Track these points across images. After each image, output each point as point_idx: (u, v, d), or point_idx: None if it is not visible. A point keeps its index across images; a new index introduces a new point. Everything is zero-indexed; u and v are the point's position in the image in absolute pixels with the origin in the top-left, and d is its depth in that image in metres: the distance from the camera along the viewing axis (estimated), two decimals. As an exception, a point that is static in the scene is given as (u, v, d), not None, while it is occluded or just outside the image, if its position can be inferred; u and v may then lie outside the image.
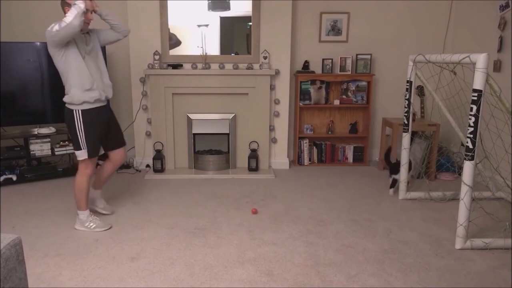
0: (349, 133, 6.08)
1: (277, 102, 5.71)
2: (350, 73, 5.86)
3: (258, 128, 5.67)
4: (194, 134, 5.69)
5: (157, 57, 5.43)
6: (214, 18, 5.51)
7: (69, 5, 3.51)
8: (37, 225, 3.93)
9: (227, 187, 5.07)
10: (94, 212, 4.04)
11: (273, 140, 5.84)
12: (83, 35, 3.70)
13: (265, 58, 5.51)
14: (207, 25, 5.51)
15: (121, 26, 3.87)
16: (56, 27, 3.39)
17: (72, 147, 5.31)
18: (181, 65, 5.51)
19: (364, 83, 5.92)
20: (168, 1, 5.38)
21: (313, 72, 5.88)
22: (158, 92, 5.48)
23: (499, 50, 4.88)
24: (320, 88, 5.93)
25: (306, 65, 5.91)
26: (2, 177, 5.02)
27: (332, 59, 5.85)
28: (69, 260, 3.26)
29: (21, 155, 5.21)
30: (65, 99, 3.72)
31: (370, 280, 2.99)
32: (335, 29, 5.91)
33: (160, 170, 5.55)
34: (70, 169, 5.49)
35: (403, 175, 4.59)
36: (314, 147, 6.07)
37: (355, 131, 6.05)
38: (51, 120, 5.36)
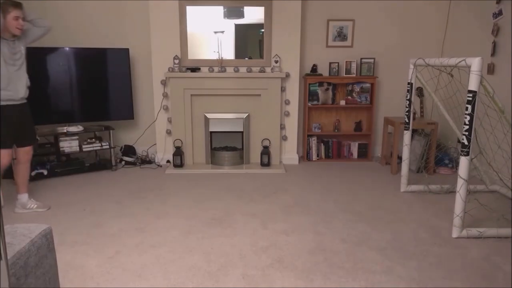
0: (354, 131, 6.08)
1: (287, 102, 5.73)
2: (355, 75, 5.86)
3: (270, 127, 5.69)
4: (211, 132, 5.72)
5: (177, 61, 5.47)
6: (229, 25, 5.54)
7: (2, 13, 3.71)
8: (66, 216, 3.99)
9: (241, 181, 5.11)
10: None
11: (284, 138, 5.86)
12: (12, 41, 3.84)
13: (276, 62, 5.53)
14: (222, 32, 5.54)
15: (42, 21, 4.04)
16: None
17: (98, 144, 5.45)
18: (199, 69, 5.55)
19: (367, 85, 5.91)
20: (187, 10, 5.42)
21: (320, 74, 5.89)
22: (177, 93, 5.53)
23: (493, 54, 4.86)
24: (327, 89, 5.94)
25: (314, 68, 5.92)
26: (34, 172, 5.08)
27: (338, 63, 5.85)
28: (95, 248, 3.31)
29: (51, 151, 5.29)
30: None
31: (373, 266, 3.01)
32: (341, 35, 5.92)
33: (180, 165, 5.59)
34: (96, 164, 5.56)
35: (404, 170, 4.59)
36: (322, 144, 6.07)
37: (359, 129, 6.05)
38: (79, 119, 5.42)
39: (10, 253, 1.66)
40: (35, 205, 4.13)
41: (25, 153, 4.09)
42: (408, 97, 4.40)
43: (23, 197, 4.13)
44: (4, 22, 3.75)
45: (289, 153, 5.91)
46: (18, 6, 3.78)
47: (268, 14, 5.47)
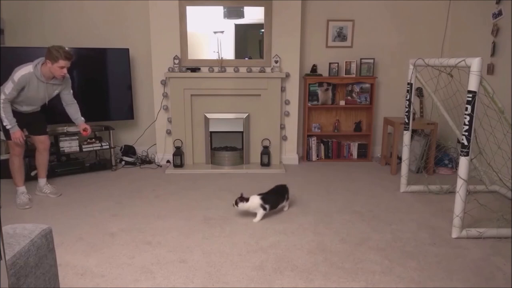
0: (354, 131, 6.08)
1: (287, 102, 5.72)
2: (354, 76, 5.85)
3: (270, 127, 5.69)
4: (211, 132, 5.72)
5: (177, 61, 5.47)
6: (229, 25, 5.54)
7: (51, 60, 4.00)
8: (66, 216, 3.98)
9: (241, 181, 5.10)
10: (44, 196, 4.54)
11: (284, 138, 5.86)
12: (48, 84, 4.17)
13: (276, 62, 5.53)
14: (222, 32, 5.54)
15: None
16: (1, 97, 3.95)
17: (98, 144, 5.45)
18: (199, 69, 5.55)
19: (367, 85, 5.91)
20: (187, 10, 5.41)
21: (320, 75, 5.89)
22: (178, 93, 5.52)
23: (492, 54, 4.86)
24: (327, 90, 5.93)
25: (314, 69, 5.92)
26: (34, 172, 5.07)
27: (338, 63, 5.85)
28: (96, 248, 3.31)
29: (51, 151, 5.26)
30: None
31: (373, 267, 3.01)
32: (340, 36, 5.91)
33: (180, 165, 5.58)
34: (96, 164, 5.56)
35: (403, 170, 4.59)
36: (322, 144, 6.07)
37: (359, 130, 6.05)
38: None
39: (10, 253, 1.65)
40: (49, 190, 4.55)
41: (41, 142, 4.48)
42: (408, 98, 4.40)
43: (41, 181, 4.58)
44: (50, 67, 4.04)
45: (289, 153, 5.90)
46: (69, 59, 4.07)
47: (268, 14, 5.46)
